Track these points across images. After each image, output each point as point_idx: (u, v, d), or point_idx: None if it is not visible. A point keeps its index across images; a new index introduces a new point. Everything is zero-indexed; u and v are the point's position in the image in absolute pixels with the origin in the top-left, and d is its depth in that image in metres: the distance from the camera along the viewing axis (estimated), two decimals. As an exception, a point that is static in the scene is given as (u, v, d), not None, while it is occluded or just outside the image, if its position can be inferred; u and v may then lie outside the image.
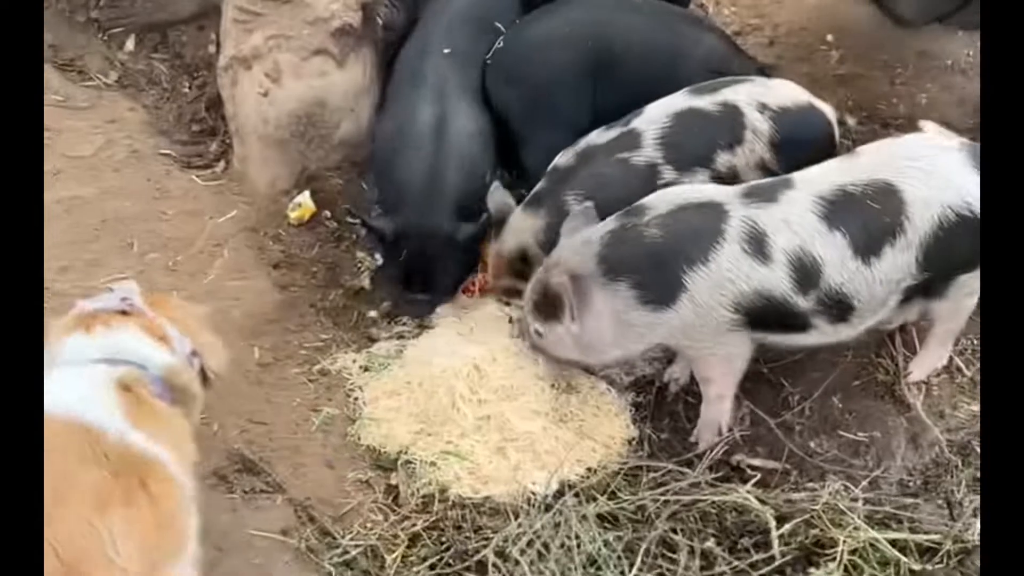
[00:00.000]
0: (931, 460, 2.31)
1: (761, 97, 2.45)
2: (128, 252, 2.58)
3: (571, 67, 2.62)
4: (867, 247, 2.11)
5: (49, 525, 1.49)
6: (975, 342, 2.47)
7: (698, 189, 2.25)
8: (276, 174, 2.78)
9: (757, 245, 2.10)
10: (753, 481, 2.20)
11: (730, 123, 2.42)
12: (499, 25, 2.73)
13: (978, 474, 2.21)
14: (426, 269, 2.53)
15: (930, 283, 2.18)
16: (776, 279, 2.11)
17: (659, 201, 2.18)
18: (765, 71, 2.72)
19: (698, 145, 2.41)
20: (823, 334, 2.22)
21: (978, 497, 2.15)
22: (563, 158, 2.49)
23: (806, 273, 2.11)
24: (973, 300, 2.29)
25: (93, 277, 2.50)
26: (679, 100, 2.46)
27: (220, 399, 2.16)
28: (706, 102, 2.44)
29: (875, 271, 2.13)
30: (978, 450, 2.26)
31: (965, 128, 2.61)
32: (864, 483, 2.22)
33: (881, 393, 2.44)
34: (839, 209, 2.11)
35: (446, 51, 2.66)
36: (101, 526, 1.55)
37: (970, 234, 2.05)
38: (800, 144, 2.40)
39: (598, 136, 2.48)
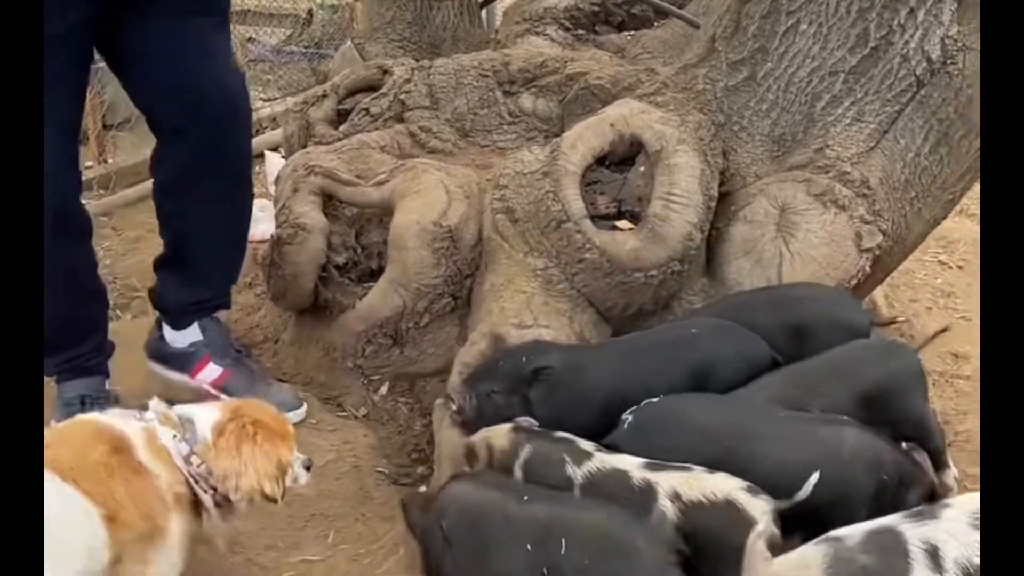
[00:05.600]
0: None
1: (680, 486, 2.52)
2: (324, 541, 3.08)
3: None
4: None
5: None
6: None
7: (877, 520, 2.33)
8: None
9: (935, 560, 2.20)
10: None
11: (641, 500, 2.55)
12: None
13: None
14: None
15: None
16: None
17: (850, 530, 2.28)
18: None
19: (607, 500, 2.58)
20: None
21: None
22: None
23: None
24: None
25: (291, 556, 3.02)
26: (628, 461, 2.66)
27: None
28: (638, 474, 2.60)
29: None
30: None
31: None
32: None
33: None
34: None
35: None
36: None
37: None
38: (707, 537, 2.49)
39: None
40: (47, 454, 2.27)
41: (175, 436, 2.61)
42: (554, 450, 2.76)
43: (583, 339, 3.50)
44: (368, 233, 3.94)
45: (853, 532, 2.30)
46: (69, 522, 2.30)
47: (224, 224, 3.55)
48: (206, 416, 2.67)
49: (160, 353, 3.71)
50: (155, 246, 5.02)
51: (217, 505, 2.68)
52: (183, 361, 3.63)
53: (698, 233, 3.53)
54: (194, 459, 2.60)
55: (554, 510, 2.54)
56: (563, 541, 2.44)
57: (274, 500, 2.71)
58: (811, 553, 2.29)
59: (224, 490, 2.64)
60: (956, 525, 2.24)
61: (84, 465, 2.39)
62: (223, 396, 3.46)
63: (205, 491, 2.63)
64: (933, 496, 2.60)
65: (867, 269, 3.65)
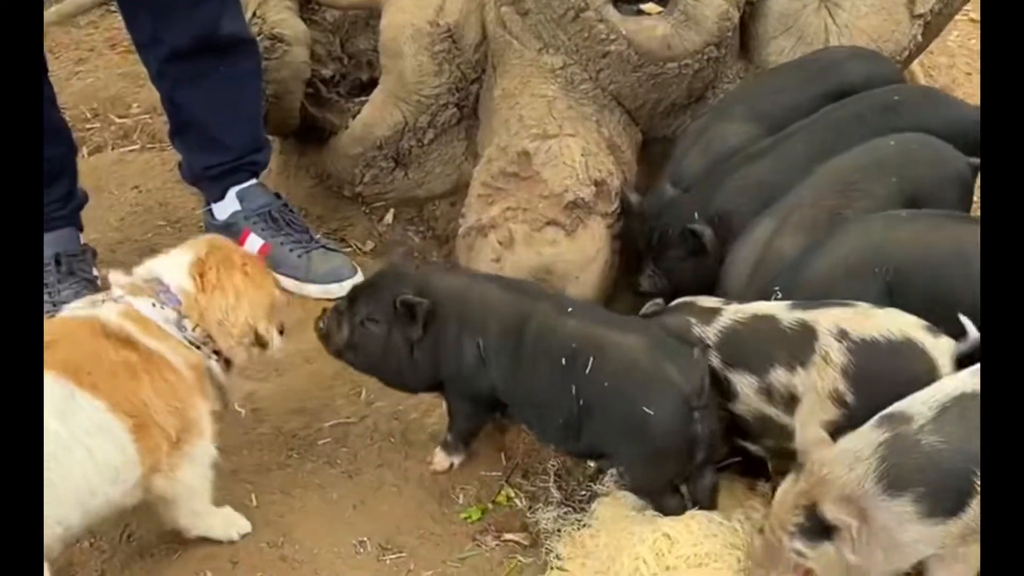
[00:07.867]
0: None
1: (846, 324, 2.20)
2: (356, 400, 2.77)
3: None
4: None
5: None
6: None
7: (950, 381, 2.07)
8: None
9: None
10: None
11: (799, 342, 2.24)
12: None
13: None
14: None
15: None
16: None
17: (921, 406, 2.01)
18: None
19: (753, 351, 2.31)
20: None
21: None
22: None
23: None
24: None
25: (323, 420, 2.71)
26: (769, 305, 2.36)
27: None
28: (788, 316, 2.28)
29: None
30: None
31: None
32: None
33: None
34: None
35: None
36: None
37: None
38: (882, 382, 2.16)
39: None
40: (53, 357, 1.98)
41: (153, 304, 2.25)
42: (674, 319, 2.46)
43: (613, 145, 3.12)
44: (355, 39, 3.50)
45: (924, 407, 1.99)
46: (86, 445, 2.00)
47: (224, 78, 3.09)
48: (172, 263, 2.32)
49: (209, 228, 3.34)
50: (102, 66, 4.56)
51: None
52: (228, 234, 3.23)
53: (735, 11, 3.10)
54: (186, 323, 2.27)
55: (590, 327, 2.38)
56: (590, 360, 2.32)
57: (265, 345, 2.40)
58: (866, 438, 2.00)
59: (222, 336, 2.31)
60: None
61: (102, 368, 2.05)
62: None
63: (209, 356, 2.32)
64: None
65: (919, 38, 3.27)
